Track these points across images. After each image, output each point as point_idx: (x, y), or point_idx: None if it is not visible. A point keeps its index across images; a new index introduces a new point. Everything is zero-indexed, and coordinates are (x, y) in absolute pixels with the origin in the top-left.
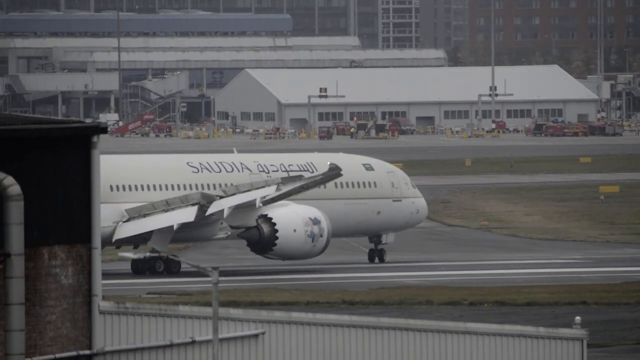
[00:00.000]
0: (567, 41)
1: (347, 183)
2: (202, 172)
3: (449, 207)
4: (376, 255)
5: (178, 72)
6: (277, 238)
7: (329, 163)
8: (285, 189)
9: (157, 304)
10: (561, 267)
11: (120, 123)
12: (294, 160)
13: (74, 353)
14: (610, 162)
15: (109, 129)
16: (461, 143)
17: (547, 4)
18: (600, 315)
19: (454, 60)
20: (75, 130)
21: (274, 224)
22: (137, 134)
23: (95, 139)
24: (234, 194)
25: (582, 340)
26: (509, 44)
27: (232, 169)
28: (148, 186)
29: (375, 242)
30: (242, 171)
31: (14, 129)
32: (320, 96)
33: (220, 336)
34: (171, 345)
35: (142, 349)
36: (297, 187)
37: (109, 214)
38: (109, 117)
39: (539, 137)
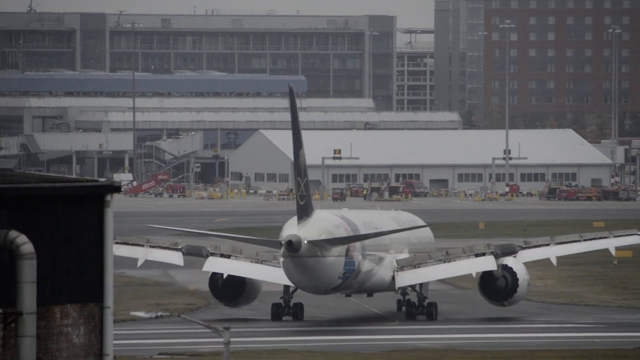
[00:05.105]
0: (582, 105)
1: (416, 238)
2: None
3: None
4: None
5: (193, 133)
6: (517, 286)
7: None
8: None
9: None
10: (574, 331)
11: (134, 183)
12: (401, 218)
13: None
14: (624, 227)
15: (122, 189)
16: (475, 206)
17: (561, 68)
18: None
19: (469, 123)
20: (89, 189)
21: (515, 274)
22: (150, 194)
23: (108, 198)
24: (540, 245)
25: None
26: (523, 107)
27: (402, 225)
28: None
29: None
30: (401, 226)
31: (29, 187)
32: (334, 158)
33: None
34: None
35: None
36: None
37: (390, 264)
38: (123, 177)
39: (552, 201)
